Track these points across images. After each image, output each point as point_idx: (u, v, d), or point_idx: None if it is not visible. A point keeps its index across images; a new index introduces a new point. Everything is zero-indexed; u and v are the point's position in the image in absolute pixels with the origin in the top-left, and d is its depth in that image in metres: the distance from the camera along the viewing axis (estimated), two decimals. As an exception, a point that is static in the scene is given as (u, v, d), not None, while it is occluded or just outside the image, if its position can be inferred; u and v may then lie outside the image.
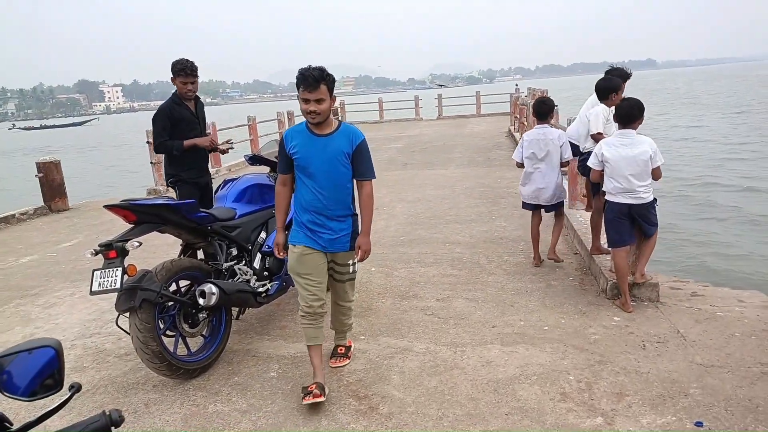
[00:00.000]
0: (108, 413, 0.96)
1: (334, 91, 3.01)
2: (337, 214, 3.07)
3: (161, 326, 3.31)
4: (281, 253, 3.21)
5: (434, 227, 6.78)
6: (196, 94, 4.69)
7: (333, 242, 3.10)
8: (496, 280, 4.87)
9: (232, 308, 3.82)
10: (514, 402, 3.01)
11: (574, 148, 5.08)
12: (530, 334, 3.81)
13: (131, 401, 3.27)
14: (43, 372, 0.98)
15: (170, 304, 3.38)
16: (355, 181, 3.10)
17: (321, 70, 2.88)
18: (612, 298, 4.29)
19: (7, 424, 0.90)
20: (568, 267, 5.11)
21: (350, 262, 3.21)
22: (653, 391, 3.04)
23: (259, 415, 3.03)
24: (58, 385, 1.00)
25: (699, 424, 2.73)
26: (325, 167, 2.97)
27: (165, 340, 3.29)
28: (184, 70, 4.46)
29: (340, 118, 2.97)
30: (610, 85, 4.79)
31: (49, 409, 0.95)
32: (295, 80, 2.94)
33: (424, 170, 11.35)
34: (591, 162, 4.26)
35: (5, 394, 0.97)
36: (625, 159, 4.00)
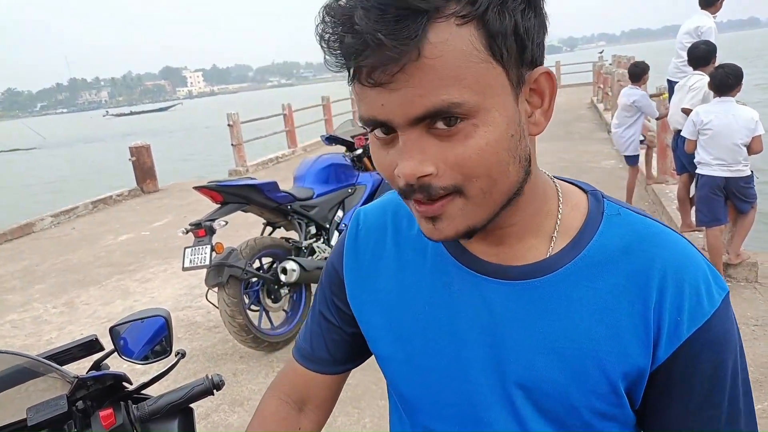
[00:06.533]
0: (210, 377, 1.02)
1: None
2: None
3: (246, 301, 3.48)
4: None
5: (510, 204, 6.62)
6: None
7: None
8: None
9: (312, 284, 3.94)
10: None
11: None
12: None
13: (221, 370, 3.46)
14: (153, 339, 1.06)
15: (254, 280, 3.54)
16: None
17: None
18: (704, 278, 4.03)
19: (126, 384, 0.99)
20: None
21: None
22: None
23: (340, 388, 3.12)
24: (166, 351, 1.08)
25: (803, 413, 2.54)
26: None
27: (250, 314, 3.46)
28: None
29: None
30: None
31: (158, 372, 1.03)
32: None
33: (499, 146, 11.06)
34: (686, 131, 3.98)
35: (123, 357, 1.06)
36: (727, 127, 3.72)
